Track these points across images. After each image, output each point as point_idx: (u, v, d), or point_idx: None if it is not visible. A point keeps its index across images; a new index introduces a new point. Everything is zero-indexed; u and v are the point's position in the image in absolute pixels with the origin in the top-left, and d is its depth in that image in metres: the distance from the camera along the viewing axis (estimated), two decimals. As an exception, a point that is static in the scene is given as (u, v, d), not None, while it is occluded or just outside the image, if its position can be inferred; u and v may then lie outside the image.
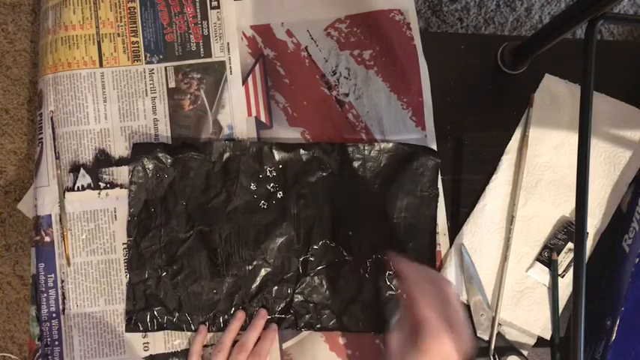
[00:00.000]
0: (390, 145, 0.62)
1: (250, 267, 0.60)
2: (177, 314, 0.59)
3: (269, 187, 0.61)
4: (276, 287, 0.60)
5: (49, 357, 0.59)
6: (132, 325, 0.58)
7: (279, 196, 0.61)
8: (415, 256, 0.61)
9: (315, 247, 0.60)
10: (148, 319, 0.58)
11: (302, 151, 0.61)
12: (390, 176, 0.61)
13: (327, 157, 0.61)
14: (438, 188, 0.62)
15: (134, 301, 0.59)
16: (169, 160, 0.60)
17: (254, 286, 0.60)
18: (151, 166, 0.60)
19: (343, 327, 0.60)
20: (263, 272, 0.60)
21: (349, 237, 0.60)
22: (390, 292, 0.60)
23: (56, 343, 0.59)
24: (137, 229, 0.59)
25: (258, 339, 0.58)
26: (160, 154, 0.60)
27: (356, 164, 0.61)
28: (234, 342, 0.58)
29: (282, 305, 0.60)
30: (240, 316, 0.59)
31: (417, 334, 0.43)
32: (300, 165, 0.61)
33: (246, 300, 0.59)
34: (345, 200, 0.59)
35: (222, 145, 0.61)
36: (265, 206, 0.60)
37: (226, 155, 0.61)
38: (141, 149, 0.60)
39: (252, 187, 0.61)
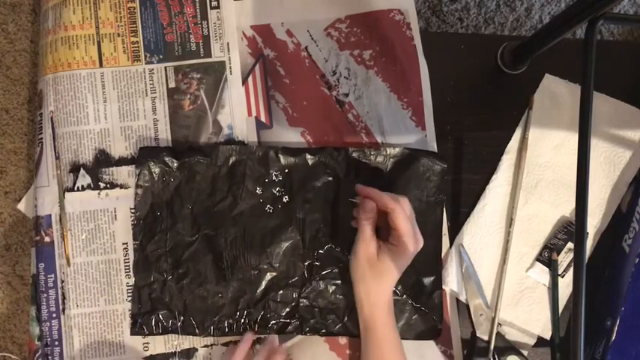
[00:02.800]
0: (396, 149, 0.62)
1: (256, 271, 0.60)
2: (182, 318, 0.59)
3: (275, 192, 0.61)
4: (281, 292, 0.60)
5: (49, 357, 0.59)
6: (137, 329, 0.58)
7: (284, 200, 0.61)
8: (421, 261, 0.60)
9: (321, 251, 0.60)
10: (153, 323, 0.58)
11: (308, 156, 0.61)
12: (396, 181, 0.60)
13: (333, 162, 0.61)
14: (444, 194, 0.62)
15: (139, 305, 0.59)
16: (175, 164, 0.60)
17: (259, 290, 0.60)
18: (157, 170, 0.60)
19: (348, 332, 0.59)
20: (268, 276, 0.60)
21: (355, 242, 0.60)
22: (395, 297, 0.60)
23: (56, 343, 0.59)
24: (143, 232, 0.59)
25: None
26: (166, 158, 0.60)
27: (362, 168, 0.61)
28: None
29: (287, 310, 0.59)
30: (248, 337, 0.57)
31: (389, 242, 0.53)
32: (306, 169, 0.61)
33: (252, 304, 0.59)
34: (351, 205, 0.59)
35: (228, 149, 0.60)
36: (271, 210, 0.60)
37: (232, 159, 0.61)
38: (147, 153, 0.60)
39: (258, 191, 0.60)
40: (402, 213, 0.52)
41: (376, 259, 0.54)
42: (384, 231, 0.55)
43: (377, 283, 0.54)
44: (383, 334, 0.54)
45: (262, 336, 0.60)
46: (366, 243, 0.54)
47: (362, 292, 0.54)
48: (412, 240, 0.52)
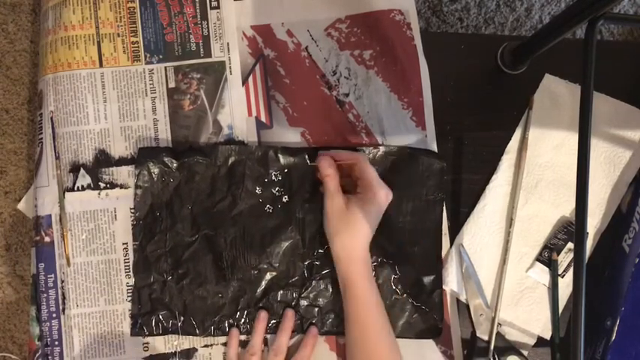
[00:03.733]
0: (396, 148, 0.62)
1: (256, 271, 0.60)
2: (182, 318, 0.59)
3: (274, 191, 0.61)
4: (281, 291, 0.60)
5: (49, 357, 0.59)
6: (137, 329, 0.58)
7: (284, 200, 0.61)
8: (421, 260, 0.61)
9: (321, 251, 0.60)
10: (153, 323, 0.58)
11: (307, 156, 0.61)
12: (395, 180, 0.60)
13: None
14: (443, 192, 0.62)
15: (139, 305, 0.59)
16: (175, 164, 0.60)
17: (259, 290, 0.60)
18: (156, 171, 0.60)
19: None
20: (268, 276, 0.60)
21: None
22: (395, 297, 0.60)
23: (56, 343, 0.59)
24: (143, 233, 0.59)
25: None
26: (165, 159, 0.60)
27: None
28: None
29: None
30: (264, 316, 0.59)
31: (357, 193, 0.55)
32: (306, 169, 0.61)
33: (252, 304, 0.59)
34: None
35: (228, 149, 0.60)
36: (271, 210, 0.60)
37: (232, 159, 0.61)
38: (146, 153, 0.60)
39: (258, 191, 0.60)
40: (366, 161, 0.55)
41: (346, 211, 0.55)
42: (352, 191, 0.57)
43: (350, 235, 0.55)
44: (360, 289, 0.54)
45: (267, 336, 0.60)
46: (332, 197, 0.55)
47: (337, 247, 0.55)
48: (380, 186, 0.55)
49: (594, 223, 0.63)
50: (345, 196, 0.56)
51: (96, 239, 0.60)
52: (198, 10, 0.64)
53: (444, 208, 0.62)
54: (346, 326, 0.55)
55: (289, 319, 0.59)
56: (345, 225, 0.55)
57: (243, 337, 0.59)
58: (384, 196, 0.55)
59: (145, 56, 0.63)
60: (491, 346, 0.60)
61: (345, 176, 0.58)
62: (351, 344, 0.54)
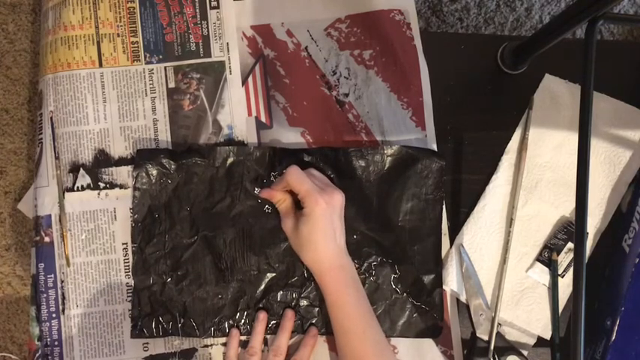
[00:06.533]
0: (394, 148, 0.61)
1: (255, 272, 0.60)
2: (182, 320, 0.58)
3: None
4: (281, 292, 0.60)
5: (49, 357, 0.59)
6: (137, 331, 0.58)
7: None
8: (420, 259, 0.60)
9: None
10: (154, 325, 0.58)
11: (305, 156, 0.61)
12: (394, 179, 0.60)
13: (331, 161, 0.61)
14: (443, 191, 0.62)
15: (139, 307, 0.59)
16: (173, 166, 0.60)
17: (259, 290, 0.60)
18: (154, 172, 0.60)
19: None
20: (268, 277, 0.60)
21: (354, 241, 0.60)
22: (395, 296, 0.60)
23: (56, 343, 0.59)
24: (141, 234, 0.59)
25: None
26: (163, 160, 0.60)
27: (360, 168, 0.61)
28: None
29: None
30: (263, 317, 0.59)
31: (301, 208, 0.55)
32: (304, 169, 0.61)
33: (252, 305, 0.59)
34: (349, 204, 0.59)
35: (226, 150, 0.60)
36: (269, 211, 0.60)
37: (230, 160, 0.61)
38: (145, 155, 0.60)
39: (256, 191, 0.60)
40: (293, 175, 0.54)
41: (296, 230, 0.55)
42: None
43: (310, 250, 0.55)
44: (335, 297, 0.54)
45: (267, 336, 0.59)
46: (283, 219, 0.57)
47: (307, 262, 0.56)
48: (316, 194, 0.53)
49: (594, 223, 0.63)
50: (295, 214, 0.57)
51: (96, 239, 0.60)
52: (197, 10, 0.64)
53: (444, 207, 0.62)
54: (334, 333, 0.55)
55: (289, 319, 0.59)
56: (301, 243, 0.55)
57: (243, 338, 0.59)
58: (323, 203, 0.53)
59: (145, 56, 0.63)
60: (491, 346, 0.60)
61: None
62: (339, 350, 0.55)
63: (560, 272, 0.61)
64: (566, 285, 0.61)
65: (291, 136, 0.63)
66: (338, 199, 0.55)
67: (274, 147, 0.61)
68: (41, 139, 0.62)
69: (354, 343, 0.53)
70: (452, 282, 0.61)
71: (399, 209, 0.61)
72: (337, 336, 0.54)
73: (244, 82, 0.64)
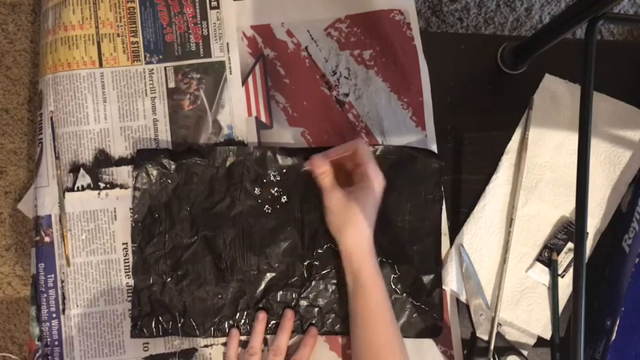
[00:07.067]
0: (394, 148, 0.61)
1: (255, 272, 0.60)
2: (182, 320, 0.59)
3: (273, 192, 0.61)
4: (281, 292, 0.60)
5: (49, 357, 0.59)
6: (137, 331, 0.58)
7: (283, 200, 0.61)
8: (420, 259, 0.60)
9: (320, 251, 0.60)
10: (154, 325, 0.58)
11: (305, 156, 0.61)
12: (393, 180, 0.60)
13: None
14: (442, 191, 0.62)
15: (139, 307, 0.59)
16: (173, 166, 0.60)
17: (259, 290, 0.60)
18: (154, 172, 0.60)
19: (349, 331, 0.59)
20: (268, 277, 0.60)
21: None
22: (395, 296, 0.60)
23: (56, 343, 0.59)
24: (141, 234, 0.59)
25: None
26: (163, 160, 0.60)
27: None
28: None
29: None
30: (263, 317, 0.59)
31: (355, 180, 0.56)
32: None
33: (251, 305, 0.59)
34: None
35: (226, 150, 0.60)
36: (269, 211, 0.60)
37: (230, 160, 0.61)
38: (145, 155, 0.60)
39: (256, 191, 0.60)
40: (365, 147, 0.55)
41: (347, 204, 0.54)
42: (347, 185, 0.57)
43: (358, 228, 0.54)
44: (372, 284, 0.53)
45: (267, 336, 0.60)
46: (330, 193, 0.55)
47: (348, 243, 0.54)
48: (377, 173, 0.54)
49: (594, 223, 0.63)
50: (342, 191, 0.56)
51: (96, 239, 0.60)
52: (198, 10, 0.64)
53: (444, 207, 0.62)
54: (353, 324, 0.54)
55: (289, 319, 0.59)
56: (349, 219, 0.54)
57: (243, 338, 0.59)
58: (381, 182, 0.55)
59: (145, 56, 0.63)
60: (491, 346, 0.60)
61: (339, 170, 0.57)
62: (358, 342, 0.54)
63: (560, 272, 0.61)
64: (566, 285, 0.61)
65: (291, 136, 0.63)
66: (384, 184, 0.56)
67: (274, 147, 0.61)
68: (41, 139, 0.62)
69: (382, 334, 0.52)
70: (452, 282, 0.61)
71: (399, 209, 0.61)
72: (360, 327, 0.53)
73: (244, 82, 0.64)
